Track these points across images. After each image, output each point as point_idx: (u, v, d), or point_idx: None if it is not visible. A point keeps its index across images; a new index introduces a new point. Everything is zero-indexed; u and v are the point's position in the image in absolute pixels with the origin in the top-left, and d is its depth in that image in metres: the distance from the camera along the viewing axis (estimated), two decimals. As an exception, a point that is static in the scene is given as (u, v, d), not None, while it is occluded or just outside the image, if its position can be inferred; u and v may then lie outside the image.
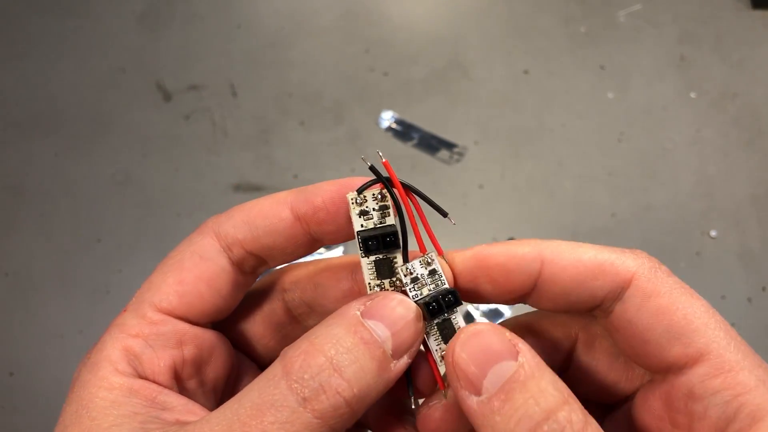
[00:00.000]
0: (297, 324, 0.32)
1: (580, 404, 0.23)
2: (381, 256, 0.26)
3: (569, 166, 1.02)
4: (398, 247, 0.27)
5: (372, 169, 0.25)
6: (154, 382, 0.26)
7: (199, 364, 0.28)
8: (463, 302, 0.26)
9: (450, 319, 0.26)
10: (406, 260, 0.26)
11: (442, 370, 0.26)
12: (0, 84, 1.11)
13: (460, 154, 1.03)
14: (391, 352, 0.24)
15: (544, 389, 0.22)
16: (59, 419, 0.25)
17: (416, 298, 0.26)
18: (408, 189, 0.27)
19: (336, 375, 0.22)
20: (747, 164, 1.03)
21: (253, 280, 0.31)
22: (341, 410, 0.22)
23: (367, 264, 0.26)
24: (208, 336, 0.28)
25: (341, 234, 0.28)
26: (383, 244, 0.26)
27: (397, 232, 0.26)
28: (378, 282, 0.27)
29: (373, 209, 0.26)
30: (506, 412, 0.22)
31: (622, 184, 1.01)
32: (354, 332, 0.24)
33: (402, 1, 1.19)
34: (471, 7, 1.18)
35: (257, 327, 0.32)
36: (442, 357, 0.26)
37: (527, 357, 0.23)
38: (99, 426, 0.23)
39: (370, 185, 0.26)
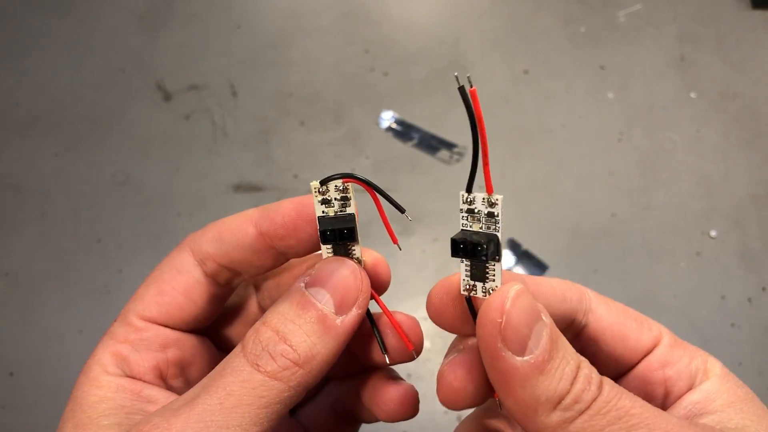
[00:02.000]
0: None
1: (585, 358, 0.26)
2: (338, 244, 0.29)
3: (569, 166, 1.02)
4: (354, 240, 0.29)
5: (461, 90, 0.24)
6: (141, 380, 0.29)
7: (182, 365, 0.31)
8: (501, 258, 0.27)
9: (487, 265, 0.26)
10: (469, 189, 0.26)
11: (462, 293, 0.27)
12: (0, 84, 1.11)
13: (460, 154, 1.03)
14: (334, 310, 0.27)
15: (567, 347, 0.25)
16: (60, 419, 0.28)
17: (464, 227, 0.26)
18: (369, 186, 0.28)
19: (281, 342, 0.26)
20: (747, 164, 1.03)
21: (231, 291, 0.34)
22: (291, 369, 0.25)
23: (326, 250, 0.29)
24: (189, 340, 0.32)
25: (302, 248, 0.31)
26: (339, 236, 0.28)
27: (354, 225, 0.28)
28: None
29: (335, 199, 0.29)
30: (548, 370, 0.24)
31: (622, 184, 1.01)
32: (297, 303, 0.27)
33: (402, 1, 1.19)
34: (471, 7, 1.18)
35: (239, 328, 0.35)
36: (466, 289, 0.27)
37: (547, 316, 0.25)
38: (89, 418, 0.27)
39: (335, 179, 0.28)
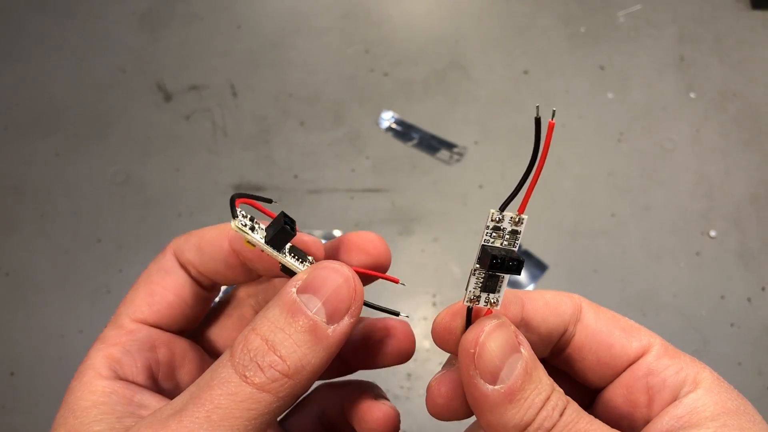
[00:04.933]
0: None
1: (559, 388, 0.27)
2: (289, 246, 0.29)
3: (569, 166, 1.03)
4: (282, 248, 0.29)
5: (537, 121, 0.26)
6: (133, 382, 0.29)
7: (172, 367, 0.32)
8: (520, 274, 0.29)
9: (500, 277, 0.28)
10: (503, 208, 0.28)
11: (465, 303, 0.28)
12: (0, 84, 1.11)
13: (460, 154, 1.03)
14: (325, 319, 0.26)
15: (542, 378, 0.26)
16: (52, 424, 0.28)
17: (484, 242, 0.28)
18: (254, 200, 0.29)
19: (270, 352, 0.25)
20: (747, 164, 1.03)
21: (215, 295, 0.34)
22: (281, 381, 0.25)
23: (287, 258, 0.29)
24: (179, 342, 0.32)
25: (270, 272, 0.31)
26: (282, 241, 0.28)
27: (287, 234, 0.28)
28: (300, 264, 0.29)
29: (259, 227, 0.28)
30: (518, 400, 0.25)
31: (622, 184, 1.01)
32: (287, 311, 0.26)
33: (402, 1, 1.19)
34: (471, 7, 1.18)
35: (229, 333, 0.36)
36: (470, 299, 0.28)
37: (527, 349, 0.27)
38: (81, 423, 0.27)
39: (236, 210, 0.28)
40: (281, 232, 0.28)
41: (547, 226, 0.98)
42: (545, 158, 0.26)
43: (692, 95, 1.09)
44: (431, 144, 1.04)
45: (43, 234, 0.98)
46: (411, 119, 1.06)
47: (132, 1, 1.18)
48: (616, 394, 0.30)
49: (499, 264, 0.27)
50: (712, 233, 0.97)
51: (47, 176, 1.03)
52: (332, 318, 0.26)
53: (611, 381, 0.31)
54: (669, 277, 0.94)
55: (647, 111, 1.07)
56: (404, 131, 1.05)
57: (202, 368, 0.33)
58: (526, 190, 0.27)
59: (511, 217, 0.28)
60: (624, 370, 0.30)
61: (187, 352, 0.33)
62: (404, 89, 1.09)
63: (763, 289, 0.94)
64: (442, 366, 0.31)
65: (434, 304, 0.91)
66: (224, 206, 1.00)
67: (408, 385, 0.86)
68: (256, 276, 0.32)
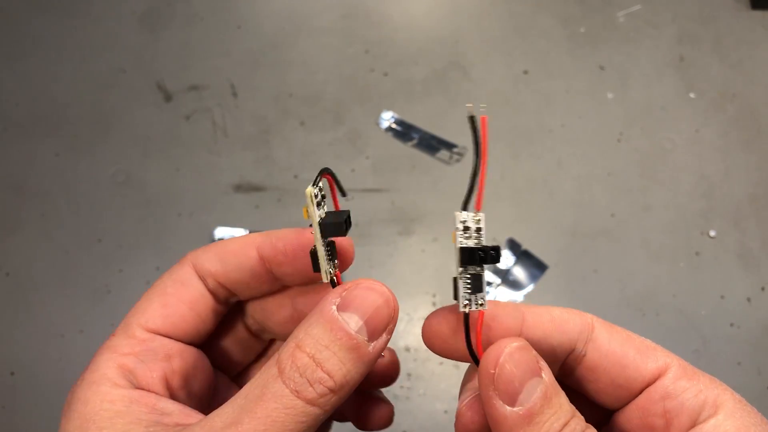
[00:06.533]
0: (257, 339, 0.38)
1: (581, 415, 0.27)
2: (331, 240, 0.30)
3: (569, 166, 1.03)
4: (344, 235, 0.29)
5: (471, 119, 0.27)
6: (152, 392, 0.29)
7: (186, 377, 0.32)
8: (498, 262, 0.29)
9: (481, 275, 0.29)
10: (464, 208, 0.29)
11: (461, 310, 0.29)
12: (0, 84, 1.11)
13: (460, 154, 1.03)
14: (366, 338, 0.27)
15: (562, 404, 0.27)
16: None
17: (461, 245, 0.29)
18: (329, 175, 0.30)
19: (318, 369, 0.26)
20: (746, 164, 1.03)
21: (226, 309, 0.35)
22: (328, 396, 0.26)
23: (323, 248, 0.29)
24: (191, 352, 0.32)
25: (298, 277, 0.32)
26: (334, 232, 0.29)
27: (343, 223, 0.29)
28: (329, 267, 0.30)
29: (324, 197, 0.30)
30: (536, 423, 0.26)
31: (622, 184, 1.01)
32: (330, 329, 0.27)
33: (402, 1, 1.19)
34: (471, 7, 1.18)
35: (227, 345, 0.37)
36: (465, 304, 0.29)
37: (548, 374, 0.27)
38: None
39: (319, 178, 0.29)
40: (337, 225, 0.29)
41: (547, 226, 0.98)
42: (486, 152, 0.27)
43: (692, 95, 1.09)
44: (431, 144, 1.04)
45: (43, 234, 0.98)
46: (411, 119, 1.06)
47: (132, 1, 1.18)
48: (631, 417, 0.30)
49: (482, 257, 0.28)
50: (712, 233, 0.98)
51: (47, 176, 1.03)
52: (372, 336, 0.28)
53: (626, 403, 0.30)
54: (669, 277, 0.94)
55: (647, 111, 1.07)
56: (404, 131, 1.05)
57: (210, 378, 0.34)
58: (478, 187, 0.28)
59: (474, 216, 0.29)
60: (640, 393, 0.30)
61: (198, 362, 0.33)
62: (404, 89, 1.09)
63: (762, 289, 0.94)
64: (460, 392, 0.32)
65: (434, 304, 0.91)
66: (225, 206, 1.00)
67: (408, 385, 0.86)
68: (278, 286, 0.33)
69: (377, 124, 1.06)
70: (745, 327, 0.91)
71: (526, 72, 1.11)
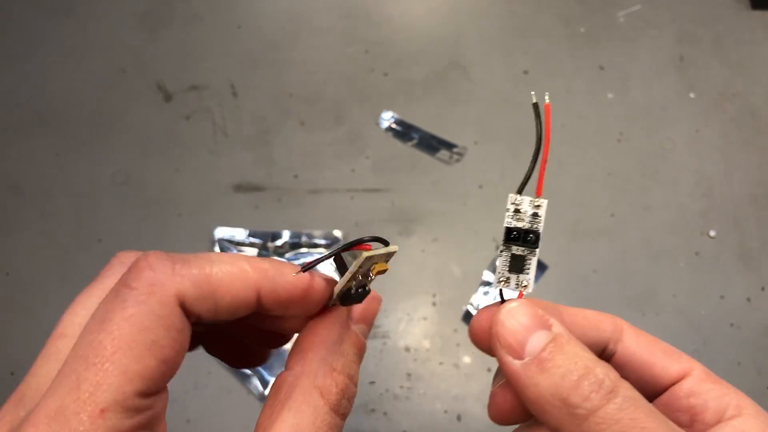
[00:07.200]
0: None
1: (610, 366, 0.26)
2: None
3: (569, 166, 1.03)
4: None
5: (535, 106, 0.28)
6: None
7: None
8: (538, 248, 0.30)
9: (523, 256, 0.30)
10: (519, 192, 0.30)
11: (496, 285, 0.30)
12: (0, 84, 1.11)
13: (460, 154, 1.03)
14: (364, 336, 0.30)
15: (580, 352, 0.25)
16: None
17: (509, 224, 0.30)
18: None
19: (352, 385, 0.28)
20: (746, 164, 1.03)
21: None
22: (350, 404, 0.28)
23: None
24: (164, 397, 0.25)
25: (296, 324, 0.30)
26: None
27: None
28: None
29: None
30: (550, 370, 0.25)
31: (622, 184, 1.01)
32: (354, 344, 0.29)
33: (402, 2, 1.19)
34: (471, 7, 1.18)
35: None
36: (500, 280, 0.30)
37: (560, 328, 0.27)
38: None
39: (346, 248, 0.28)
40: (359, 297, 0.29)
41: (547, 226, 0.98)
42: (549, 138, 0.28)
43: (692, 95, 1.09)
44: (431, 144, 1.04)
45: (43, 234, 0.98)
46: (411, 119, 1.06)
47: (132, 1, 1.18)
48: None
49: (515, 237, 0.29)
50: (712, 233, 0.98)
51: (47, 176, 1.03)
52: (366, 333, 0.30)
53: (651, 401, 0.31)
54: (668, 277, 0.94)
55: (647, 111, 1.07)
56: (404, 131, 1.05)
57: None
58: (539, 172, 0.29)
59: (531, 201, 0.30)
60: (664, 391, 0.30)
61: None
62: (404, 89, 1.10)
63: (762, 289, 0.94)
64: (495, 376, 0.32)
65: (434, 304, 0.91)
66: (225, 206, 1.00)
67: (408, 384, 0.86)
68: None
69: (377, 124, 1.06)
70: (745, 327, 0.91)
71: (526, 72, 1.11)
